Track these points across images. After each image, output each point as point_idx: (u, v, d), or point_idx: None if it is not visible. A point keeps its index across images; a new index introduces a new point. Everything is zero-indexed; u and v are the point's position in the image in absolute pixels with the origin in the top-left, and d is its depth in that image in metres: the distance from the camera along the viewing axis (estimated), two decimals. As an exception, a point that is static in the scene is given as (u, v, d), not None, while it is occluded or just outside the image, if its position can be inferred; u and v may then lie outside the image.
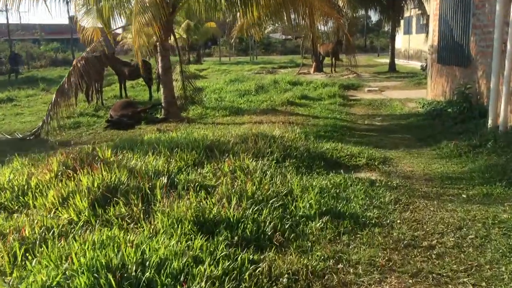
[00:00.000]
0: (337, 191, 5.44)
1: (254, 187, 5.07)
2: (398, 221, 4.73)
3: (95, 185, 4.92)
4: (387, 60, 26.60)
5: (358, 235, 4.36)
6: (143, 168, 5.51)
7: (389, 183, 5.97)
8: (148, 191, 4.93)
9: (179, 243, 3.84)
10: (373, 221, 4.67)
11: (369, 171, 6.74)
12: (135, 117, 10.97)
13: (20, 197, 5.23)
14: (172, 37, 12.47)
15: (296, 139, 7.58)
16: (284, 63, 34.24)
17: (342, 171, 6.45)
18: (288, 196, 5.04)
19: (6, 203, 5.19)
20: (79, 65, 9.87)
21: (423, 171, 6.67)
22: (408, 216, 4.87)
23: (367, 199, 5.27)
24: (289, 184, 5.36)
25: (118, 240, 3.81)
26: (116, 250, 3.61)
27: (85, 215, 4.50)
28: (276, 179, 5.48)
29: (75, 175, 5.37)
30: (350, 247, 4.13)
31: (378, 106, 13.18)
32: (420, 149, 8.07)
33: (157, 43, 11.12)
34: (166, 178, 5.25)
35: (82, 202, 4.65)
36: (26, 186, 5.41)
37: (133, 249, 3.60)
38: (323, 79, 20.07)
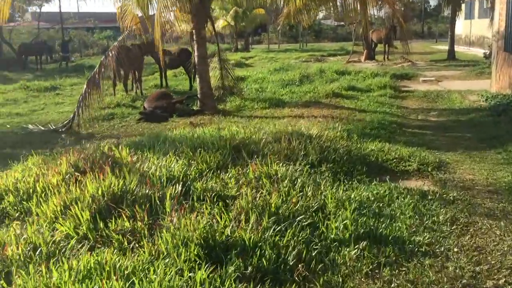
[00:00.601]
0: (380, 205, 4.59)
1: (280, 199, 4.32)
2: (455, 249, 3.84)
3: (100, 192, 4.33)
4: (446, 47, 24.79)
5: (403, 269, 3.52)
6: (157, 173, 4.88)
7: (445, 195, 5.03)
8: (158, 201, 4.29)
9: (180, 274, 3.18)
10: (423, 249, 3.81)
11: (421, 178, 5.80)
12: (170, 109, 10.44)
13: (24, 202, 4.76)
14: (210, 24, 11.80)
15: (336, 138, 6.74)
16: (334, 50, 32.85)
17: (388, 178, 5.57)
18: (319, 212, 4.25)
19: (8, 208, 4.74)
20: (110, 54, 9.41)
21: (486, 180, 5.65)
22: (467, 242, 3.97)
23: (417, 217, 4.39)
24: (322, 197, 4.56)
25: (108, 268, 3.19)
26: (100, 282, 2.99)
27: (83, 229, 3.93)
28: (308, 189, 4.69)
29: (83, 178, 4.82)
30: (392, 285, 3.31)
31: (434, 98, 11.97)
32: (483, 151, 6.98)
33: (193, 31, 10.49)
34: (180, 186, 4.59)
35: (82, 213, 4.07)
36: (31, 190, 4.93)
37: (121, 283, 2.97)
38: (374, 67, 18.83)
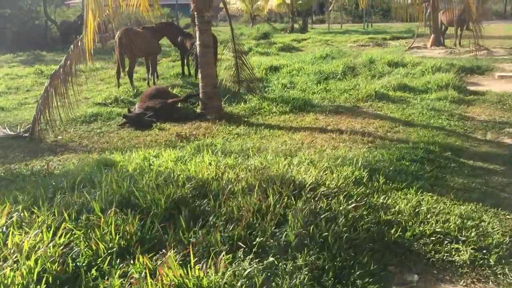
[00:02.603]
0: None
1: None
2: None
3: None
4: (532, 32, 20.86)
5: None
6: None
7: None
8: None
9: None
10: None
11: (475, 283, 3.36)
12: (164, 111, 8.40)
13: None
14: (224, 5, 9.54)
15: (346, 186, 4.38)
16: (399, 32, 29.24)
17: (415, 282, 3.23)
18: None
19: None
20: (79, 44, 7.43)
21: None
22: None
23: None
24: None
25: None
26: None
27: None
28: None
29: None
30: None
31: (512, 105, 9.06)
32: None
33: (194, 13, 8.29)
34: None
35: None
36: None
37: None
38: (439, 56, 15.76)
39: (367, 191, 4.51)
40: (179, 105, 9.28)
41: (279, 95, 9.70)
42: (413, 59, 13.41)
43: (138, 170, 4.96)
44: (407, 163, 5.57)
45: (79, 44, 7.34)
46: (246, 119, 8.40)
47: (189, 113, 8.79)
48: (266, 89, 10.51)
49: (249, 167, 4.86)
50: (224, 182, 4.36)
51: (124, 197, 3.93)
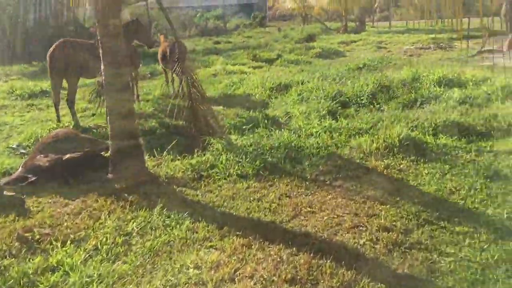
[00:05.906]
0: None
1: None
2: None
3: None
4: None
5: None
6: None
7: None
8: None
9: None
10: None
11: None
12: (57, 173, 5.42)
13: None
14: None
15: None
16: (475, 29, 24.09)
17: None
18: None
19: None
20: None
21: None
22: None
23: None
24: None
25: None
26: None
27: None
28: None
29: None
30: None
31: None
32: None
33: (97, 21, 5.20)
34: None
35: None
36: None
37: None
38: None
39: None
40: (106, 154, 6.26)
41: (254, 140, 6.35)
42: (476, 74, 9.46)
43: None
44: None
45: None
46: (179, 189, 5.21)
47: (98, 174, 5.72)
48: (245, 126, 7.21)
49: None
50: None
51: None
